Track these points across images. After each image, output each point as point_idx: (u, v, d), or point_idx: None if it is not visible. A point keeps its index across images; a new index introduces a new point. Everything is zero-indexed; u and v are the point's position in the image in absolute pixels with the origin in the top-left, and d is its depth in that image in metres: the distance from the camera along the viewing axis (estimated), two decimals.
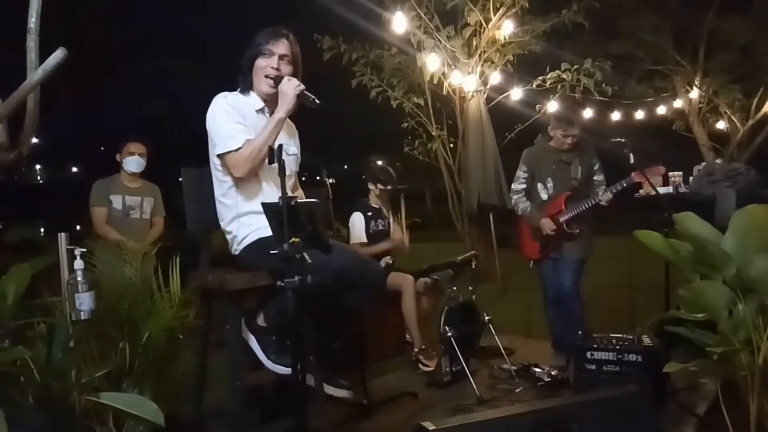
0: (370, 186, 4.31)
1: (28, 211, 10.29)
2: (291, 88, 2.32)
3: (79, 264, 2.09)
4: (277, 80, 2.37)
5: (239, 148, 2.31)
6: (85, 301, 2.07)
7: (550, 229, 3.74)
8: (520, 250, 4.08)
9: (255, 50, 2.42)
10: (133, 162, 4.13)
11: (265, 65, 2.40)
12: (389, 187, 4.26)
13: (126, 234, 3.98)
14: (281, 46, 2.42)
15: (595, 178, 3.85)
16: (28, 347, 1.92)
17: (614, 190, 3.63)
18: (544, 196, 3.87)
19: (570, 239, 3.75)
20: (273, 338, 2.41)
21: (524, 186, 3.93)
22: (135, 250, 3.95)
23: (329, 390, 2.47)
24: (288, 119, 2.47)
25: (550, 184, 3.85)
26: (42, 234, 6.73)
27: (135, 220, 4.19)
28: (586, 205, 3.70)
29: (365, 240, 4.16)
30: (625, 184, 3.60)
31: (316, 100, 2.34)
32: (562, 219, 3.74)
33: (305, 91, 2.34)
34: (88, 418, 2.01)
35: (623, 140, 3.51)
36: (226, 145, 2.33)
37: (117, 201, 4.15)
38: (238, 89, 2.47)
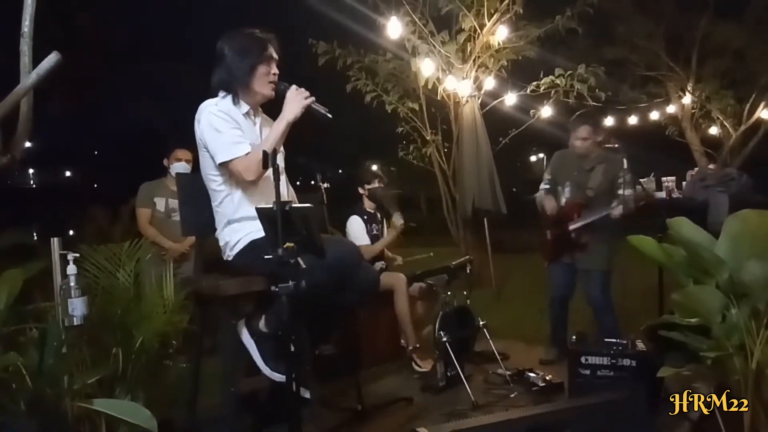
0: (360, 190, 4.32)
1: (20, 216, 10.22)
2: (301, 98, 2.33)
3: (71, 269, 2.08)
4: (277, 85, 2.40)
5: (248, 153, 2.30)
6: (77, 307, 2.06)
7: (550, 209, 3.76)
8: (540, 255, 4.05)
9: (258, 57, 2.38)
10: (180, 168, 4.25)
11: (267, 71, 2.41)
12: (375, 186, 4.26)
13: (168, 234, 4.24)
14: (274, 50, 2.43)
15: (620, 192, 3.65)
16: (20, 353, 1.91)
17: (626, 205, 3.52)
18: (562, 202, 3.88)
19: (578, 249, 3.74)
20: (272, 345, 2.40)
21: (548, 187, 3.94)
22: (174, 249, 4.16)
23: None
24: (262, 111, 2.52)
25: (567, 189, 3.85)
26: (35, 238, 6.68)
27: (177, 222, 4.27)
28: (596, 216, 3.63)
29: (368, 242, 4.15)
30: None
31: (328, 114, 2.34)
32: (571, 227, 3.72)
33: (316, 103, 2.35)
34: (81, 424, 2.00)
35: (616, 145, 3.52)
36: (234, 151, 2.31)
37: (161, 203, 4.33)
38: (227, 95, 2.42)
